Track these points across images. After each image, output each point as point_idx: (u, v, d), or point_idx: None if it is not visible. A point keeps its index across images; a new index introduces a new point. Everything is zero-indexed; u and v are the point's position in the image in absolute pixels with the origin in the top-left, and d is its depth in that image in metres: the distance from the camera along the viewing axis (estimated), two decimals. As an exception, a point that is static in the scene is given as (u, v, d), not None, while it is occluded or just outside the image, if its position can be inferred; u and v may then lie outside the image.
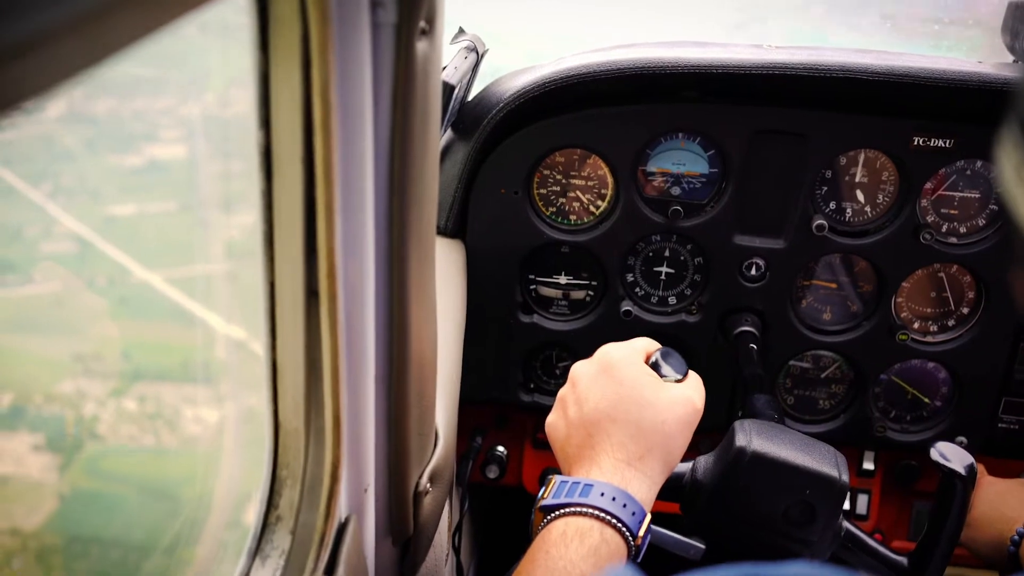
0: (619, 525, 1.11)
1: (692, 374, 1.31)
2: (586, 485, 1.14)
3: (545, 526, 1.14)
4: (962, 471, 1.35)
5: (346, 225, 1.03)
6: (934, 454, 1.37)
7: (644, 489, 1.17)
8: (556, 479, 1.18)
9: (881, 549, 1.41)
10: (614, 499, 1.12)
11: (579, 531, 1.10)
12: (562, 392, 1.30)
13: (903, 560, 1.40)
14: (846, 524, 1.38)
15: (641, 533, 1.13)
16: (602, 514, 1.11)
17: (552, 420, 1.29)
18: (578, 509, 1.12)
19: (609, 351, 1.29)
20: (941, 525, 1.37)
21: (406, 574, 1.39)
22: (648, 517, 1.15)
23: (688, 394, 1.25)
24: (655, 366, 1.29)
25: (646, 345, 1.33)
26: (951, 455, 1.36)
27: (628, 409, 1.21)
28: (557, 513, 1.14)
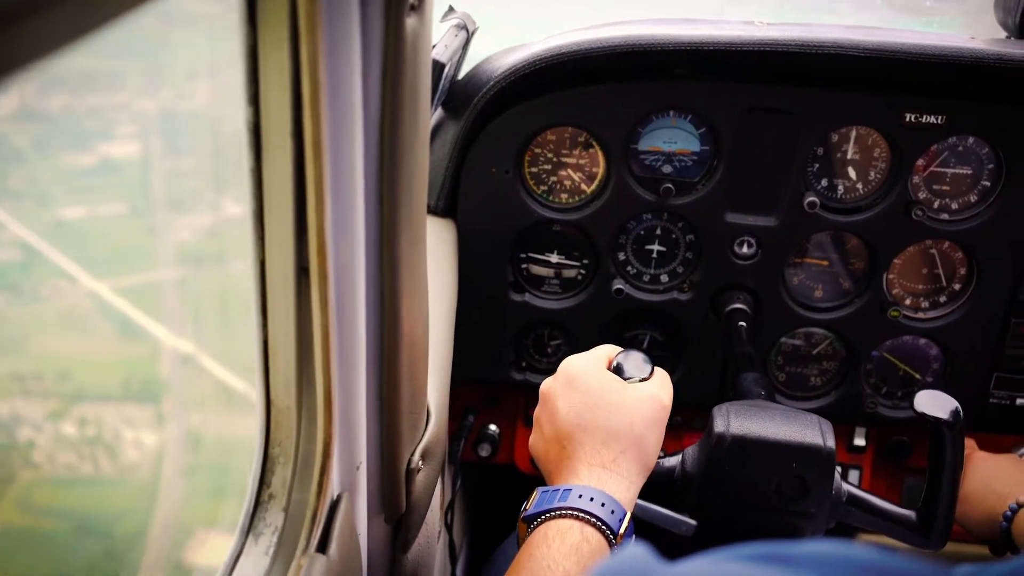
0: (599, 524, 1.14)
1: (657, 371, 1.33)
2: (564, 491, 1.18)
3: (529, 534, 1.17)
4: (947, 417, 1.34)
5: (336, 203, 1.02)
6: (917, 404, 1.36)
7: (622, 489, 1.20)
8: (538, 491, 1.22)
9: (889, 506, 1.40)
10: (592, 499, 1.15)
11: (560, 531, 1.13)
12: (536, 412, 1.34)
13: (911, 514, 1.40)
14: (847, 487, 1.38)
15: (622, 531, 1.16)
16: (581, 514, 1.14)
17: (532, 440, 1.33)
18: (558, 513, 1.15)
19: (571, 363, 1.33)
20: (939, 475, 1.36)
21: (398, 551, 1.39)
22: (628, 515, 1.18)
23: (653, 391, 1.28)
24: (618, 369, 1.31)
25: (607, 352, 1.36)
26: (934, 403, 1.36)
27: (596, 416, 1.24)
28: (539, 520, 1.17)
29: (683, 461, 1.39)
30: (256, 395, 1.10)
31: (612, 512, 1.15)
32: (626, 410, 1.24)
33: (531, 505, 1.20)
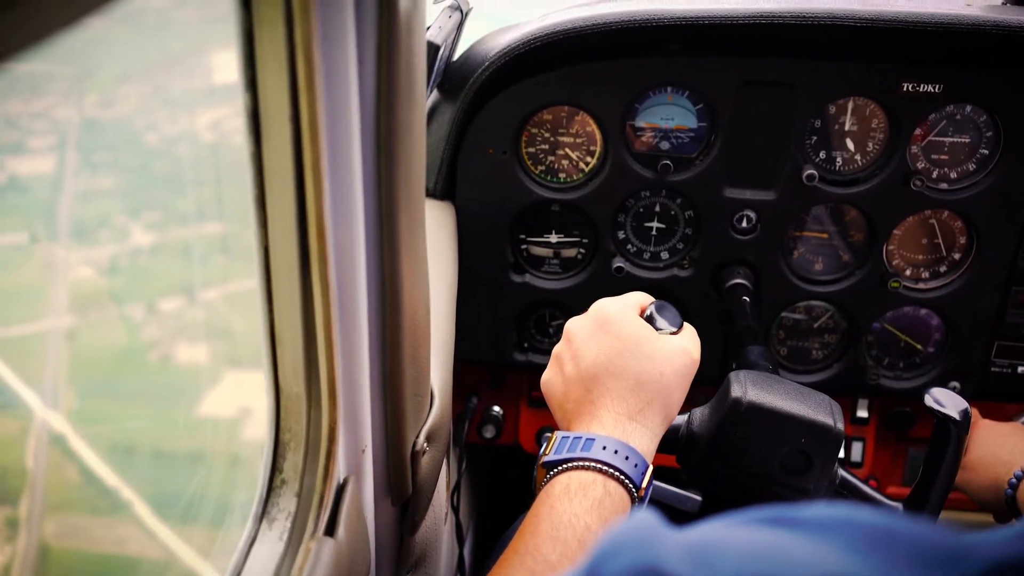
0: (622, 477, 1.12)
1: (687, 326, 1.31)
2: (587, 439, 1.14)
3: (548, 482, 1.14)
4: (956, 416, 1.35)
5: (334, 187, 1.02)
6: (928, 400, 1.38)
7: (645, 441, 1.17)
8: (557, 435, 1.19)
9: (876, 495, 1.42)
10: (616, 452, 1.13)
11: (582, 485, 1.11)
12: (557, 349, 1.29)
13: (898, 506, 1.42)
14: (841, 471, 1.40)
15: (644, 484, 1.14)
16: (604, 467, 1.11)
17: (548, 377, 1.29)
18: (580, 463, 1.13)
19: (604, 306, 1.29)
20: (935, 470, 1.38)
21: (406, 533, 1.40)
22: (650, 468, 1.16)
23: (685, 346, 1.25)
24: (650, 319, 1.29)
25: (640, 299, 1.33)
26: (945, 400, 1.37)
27: (626, 363, 1.20)
28: (560, 468, 1.14)
29: (689, 421, 1.39)
30: (265, 381, 1.10)
31: (636, 466, 1.13)
32: (658, 360, 1.21)
33: (551, 450, 1.17)
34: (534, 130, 1.93)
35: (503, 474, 2.58)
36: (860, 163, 1.90)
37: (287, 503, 1.10)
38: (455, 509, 1.84)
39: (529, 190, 1.95)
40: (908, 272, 1.99)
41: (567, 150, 1.94)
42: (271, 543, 1.08)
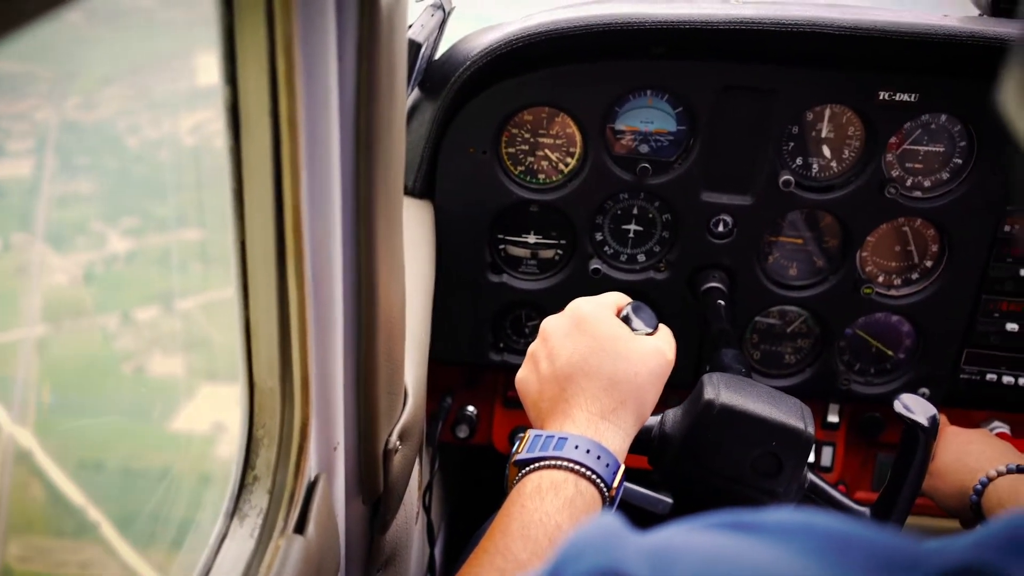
0: (594, 477, 1.12)
1: (663, 327, 1.32)
2: (560, 438, 1.15)
3: (520, 480, 1.15)
4: (925, 422, 1.37)
5: (312, 182, 1.01)
6: (898, 406, 1.39)
7: (618, 441, 1.18)
8: (530, 433, 1.19)
9: (844, 500, 1.43)
10: (588, 451, 1.13)
11: (554, 484, 1.11)
12: (533, 347, 1.30)
13: (865, 511, 1.43)
14: (810, 475, 1.41)
15: (615, 484, 1.14)
16: (576, 466, 1.12)
17: (523, 375, 1.29)
18: (553, 462, 1.13)
19: (580, 305, 1.29)
20: (903, 475, 1.39)
21: (376, 532, 1.40)
22: (622, 468, 1.16)
23: (660, 346, 1.26)
24: (626, 320, 1.30)
25: (617, 299, 1.33)
26: (914, 406, 1.39)
27: (601, 362, 1.21)
28: (532, 467, 1.14)
29: (662, 422, 1.40)
30: (240, 376, 1.09)
31: (607, 465, 1.13)
32: (633, 360, 1.21)
33: (523, 448, 1.17)
34: (514, 130, 1.93)
35: (476, 474, 2.58)
36: (836, 170, 1.91)
37: (259, 500, 1.10)
38: (427, 509, 1.84)
39: (508, 190, 1.95)
40: (881, 279, 2.01)
41: (547, 151, 1.94)
42: (242, 540, 1.08)
